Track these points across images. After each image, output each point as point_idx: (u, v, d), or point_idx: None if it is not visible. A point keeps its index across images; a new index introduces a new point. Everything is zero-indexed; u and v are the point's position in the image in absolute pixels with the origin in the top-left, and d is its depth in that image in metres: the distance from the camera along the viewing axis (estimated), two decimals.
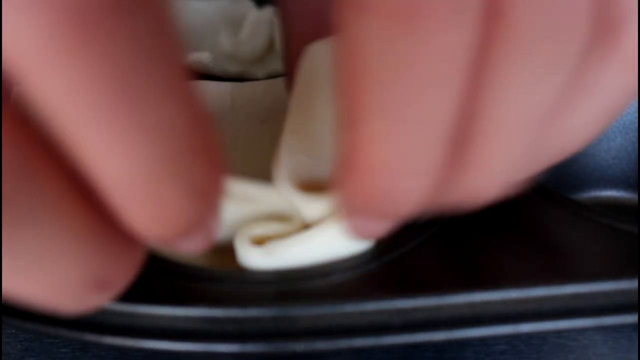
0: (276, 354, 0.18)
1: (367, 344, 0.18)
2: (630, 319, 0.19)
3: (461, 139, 0.13)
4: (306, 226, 0.21)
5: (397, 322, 0.18)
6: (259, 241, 0.19)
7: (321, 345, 0.17)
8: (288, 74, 0.24)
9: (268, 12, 0.36)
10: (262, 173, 0.26)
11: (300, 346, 0.17)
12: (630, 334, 0.23)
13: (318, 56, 0.24)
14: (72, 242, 0.11)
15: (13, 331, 0.23)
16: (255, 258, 0.18)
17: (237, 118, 0.27)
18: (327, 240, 0.19)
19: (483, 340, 0.23)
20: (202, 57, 0.28)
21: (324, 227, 0.19)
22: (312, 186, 0.19)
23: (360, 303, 0.18)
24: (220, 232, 0.19)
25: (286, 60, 0.25)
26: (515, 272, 0.19)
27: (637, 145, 0.28)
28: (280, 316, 0.17)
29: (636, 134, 0.28)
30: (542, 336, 0.23)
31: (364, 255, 0.19)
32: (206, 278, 0.18)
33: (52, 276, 0.11)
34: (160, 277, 0.18)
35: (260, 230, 0.19)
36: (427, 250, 0.19)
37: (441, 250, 0.19)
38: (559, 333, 0.23)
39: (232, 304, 0.17)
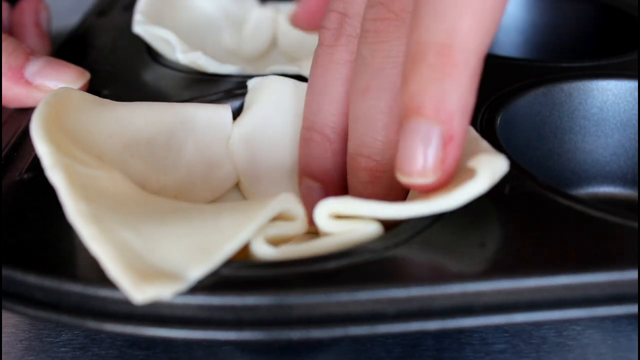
0: (272, 341, 0.18)
1: (361, 333, 0.18)
2: (621, 310, 0.19)
3: None
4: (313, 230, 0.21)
5: (391, 311, 0.18)
6: (271, 241, 0.20)
7: (316, 333, 0.18)
8: None
9: (270, 10, 0.37)
10: None
11: (295, 334, 0.18)
12: (630, 333, 0.23)
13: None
14: None
15: (13, 331, 0.23)
16: (269, 257, 0.19)
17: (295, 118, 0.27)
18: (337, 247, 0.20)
19: (483, 340, 0.23)
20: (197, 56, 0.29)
21: (333, 237, 0.20)
22: None
23: (355, 292, 0.18)
24: None
25: None
26: (509, 263, 0.19)
27: (633, 142, 0.28)
28: (276, 304, 0.18)
29: (633, 130, 0.28)
30: (542, 335, 0.23)
31: (360, 245, 0.19)
32: None
33: None
34: None
35: (273, 230, 0.20)
36: (422, 242, 0.20)
37: (435, 242, 0.20)
38: (558, 332, 0.23)
39: (230, 291, 0.18)
